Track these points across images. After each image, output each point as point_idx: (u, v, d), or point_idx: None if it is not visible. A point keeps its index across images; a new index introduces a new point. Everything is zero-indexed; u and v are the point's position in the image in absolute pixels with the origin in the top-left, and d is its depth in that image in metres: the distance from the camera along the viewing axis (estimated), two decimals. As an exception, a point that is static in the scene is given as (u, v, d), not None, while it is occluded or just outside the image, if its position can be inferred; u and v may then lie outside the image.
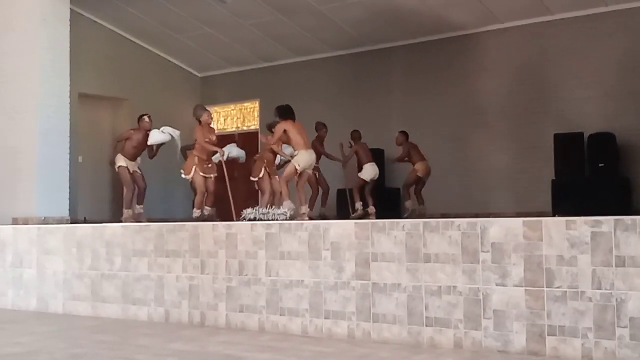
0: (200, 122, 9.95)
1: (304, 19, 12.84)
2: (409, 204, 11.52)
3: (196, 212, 9.92)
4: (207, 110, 10.26)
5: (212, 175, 9.98)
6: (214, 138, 10.04)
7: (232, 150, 10.86)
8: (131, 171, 10.44)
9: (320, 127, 11.49)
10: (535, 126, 11.85)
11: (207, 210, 10.04)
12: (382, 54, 13.62)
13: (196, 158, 9.84)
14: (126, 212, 10.45)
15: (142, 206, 10.53)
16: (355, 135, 11.54)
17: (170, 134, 10.22)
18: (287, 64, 14.72)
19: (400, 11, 12.10)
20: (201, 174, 9.85)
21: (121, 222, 9.69)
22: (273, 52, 14.45)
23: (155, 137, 10.22)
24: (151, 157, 10.55)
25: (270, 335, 6.31)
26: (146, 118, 10.49)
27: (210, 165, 9.98)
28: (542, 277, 5.15)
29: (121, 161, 10.41)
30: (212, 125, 10.34)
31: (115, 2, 12.80)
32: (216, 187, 10.17)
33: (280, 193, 10.04)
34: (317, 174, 11.44)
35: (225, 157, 10.32)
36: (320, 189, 11.52)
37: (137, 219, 10.14)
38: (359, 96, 13.70)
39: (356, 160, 11.63)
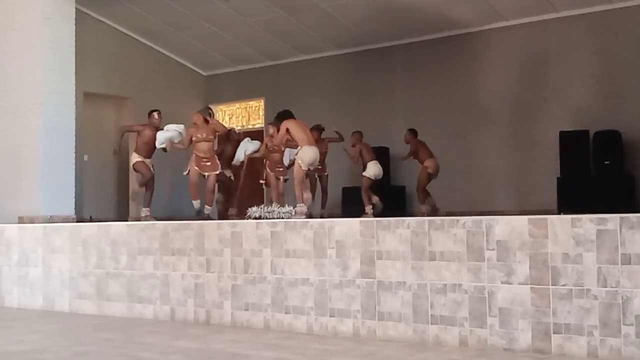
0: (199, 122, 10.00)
1: (308, 17, 12.84)
2: (425, 208, 11.30)
3: (195, 204, 9.92)
4: (205, 110, 10.25)
5: (206, 174, 9.90)
6: (203, 135, 9.92)
7: (248, 147, 10.79)
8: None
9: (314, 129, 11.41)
10: (540, 124, 11.82)
11: (208, 209, 10.03)
12: (386, 52, 13.60)
13: (193, 155, 9.88)
14: (145, 211, 10.39)
15: (148, 208, 10.42)
16: (357, 136, 11.49)
17: (175, 130, 10.16)
18: (291, 62, 14.71)
19: (404, 9, 12.08)
20: (195, 168, 9.85)
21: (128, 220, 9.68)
22: (277, 51, 14.44)
23: (161, 138, 10.16)
24: (165, 151, 10.44)
25: (276, 333, 6.32)
26: (155, 115, 10.42)
27: (209, 163, 9.94)
28: (547, 275, 5.14)
29: (136, 157, 10.40)
30: (197, 124, 10.10)
31: (120, 0, 12.80)
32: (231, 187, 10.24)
33: (283, 194, 10.37)
34: (318, 178, 11.39)
35: (248, 153, 10.56)
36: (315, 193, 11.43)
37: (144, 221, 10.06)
38: (363, 94, 13.69)
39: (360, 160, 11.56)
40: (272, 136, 10.32)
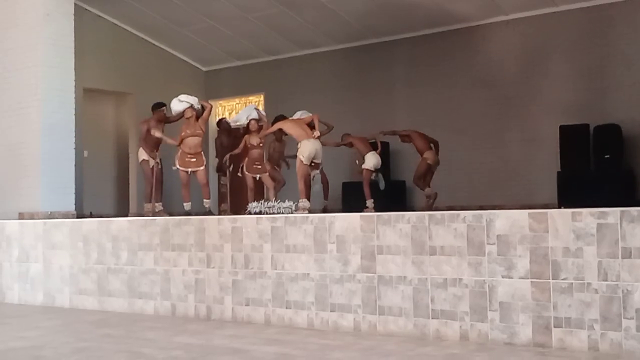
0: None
1: (308, 12, 12.81)
2: (428, 190, 11.24)
3: (185, 206, 9.87)
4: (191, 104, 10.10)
5: (189, 170, 9.69)
6: (191, 130, 9.75)
7: (252, 113, 10.57)
8: (151, 165, 10.34)
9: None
10: (540, 118, 11.80)
11: (207, 203, 9.98)
12: (386, 46, 13.57)
13: (180, 151, 9.75)
14: (147, 207, 10.41)
15: (160, 203, 10.37)
16: (347, 135, 11.43)
17: (189, 102, 9.95)
18: (291, 57, 14.68)
19: (404, 3, 12.05)
20: (180, 167, 9.72)
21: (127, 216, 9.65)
22: (277, 46, 14.41)
23: (176, 107, 9.98)
24: (174, 121, 10.37)
25: (276, 328, 6.32)
26: (163, 109, 10.37)
27: (194, 159, 9.73)
28: (548, 268, 5.14)
29: (143, 155, 10.37)
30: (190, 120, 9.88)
31: (119, -4, 12.81)
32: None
33: (273, 188, 10.35)
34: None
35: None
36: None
37: (156, 216, 9.93)
38: (363, 89, 13.66)
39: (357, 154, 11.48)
40: (252, 131, 10.33)
